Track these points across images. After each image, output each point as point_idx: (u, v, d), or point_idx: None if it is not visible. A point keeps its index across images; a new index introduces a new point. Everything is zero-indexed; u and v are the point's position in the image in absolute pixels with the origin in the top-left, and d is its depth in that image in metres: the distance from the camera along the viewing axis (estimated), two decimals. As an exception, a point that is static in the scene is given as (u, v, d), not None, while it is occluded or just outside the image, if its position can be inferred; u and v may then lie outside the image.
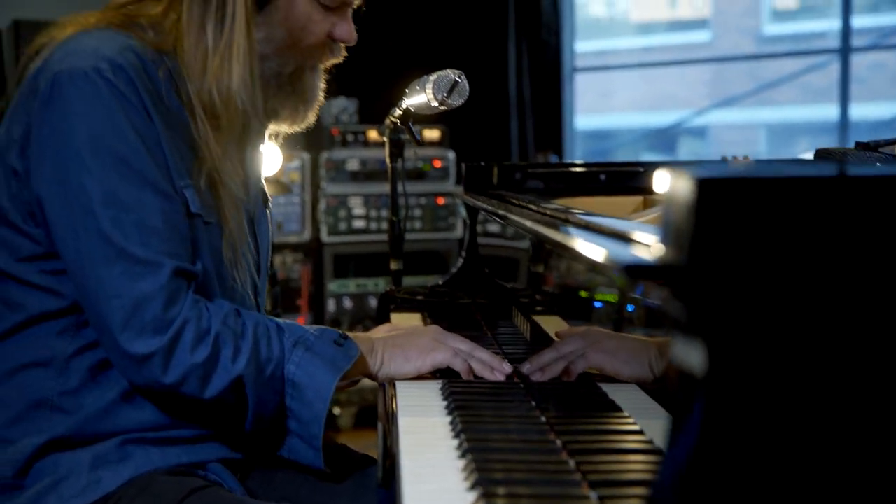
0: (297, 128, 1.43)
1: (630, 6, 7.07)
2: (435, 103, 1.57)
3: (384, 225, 3.35)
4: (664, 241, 0.62)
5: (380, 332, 1.46)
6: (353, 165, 3.70)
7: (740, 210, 0.56)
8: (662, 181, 0.61)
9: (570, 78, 4.59)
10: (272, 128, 1.41)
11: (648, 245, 0.71)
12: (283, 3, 1.28)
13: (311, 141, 4.13)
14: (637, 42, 7.76)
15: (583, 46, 5.17)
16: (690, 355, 0.57)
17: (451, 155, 3.85)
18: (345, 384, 1.30)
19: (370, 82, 4.21)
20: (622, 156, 7.03)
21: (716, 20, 8.33)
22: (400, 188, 1.88)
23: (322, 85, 1.40)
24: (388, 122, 1.85)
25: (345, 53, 1.40)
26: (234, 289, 1.30)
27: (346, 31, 1.35)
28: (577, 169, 2.09)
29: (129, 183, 1.16)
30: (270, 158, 2.40)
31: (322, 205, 3.69)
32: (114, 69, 1.16)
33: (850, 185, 0.55)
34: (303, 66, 1.34)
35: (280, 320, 1.27)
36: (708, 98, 7.70)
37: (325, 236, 3.70)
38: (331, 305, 3.57)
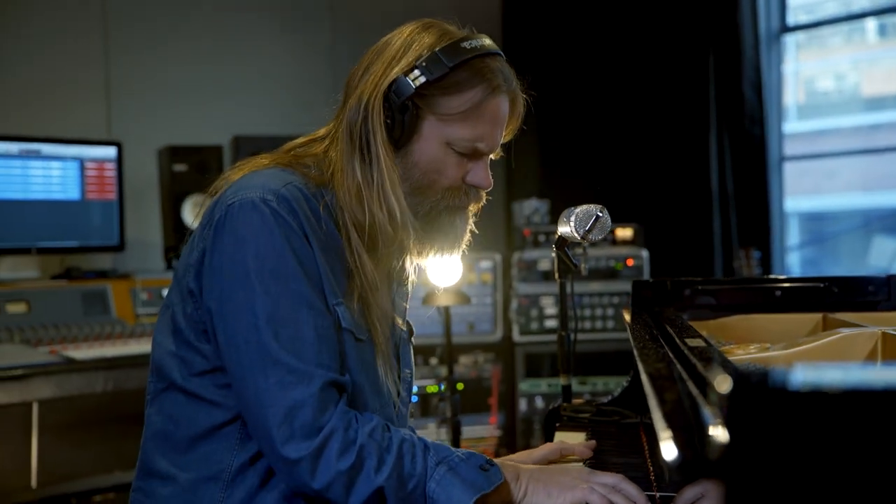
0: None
1: (862, 79, 6.67)
2: (577, 236, 1.59)
3: (576, 324, 3.31)
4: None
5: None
6: (544, 265, 3.73)
7: (768, 417, 0.55)
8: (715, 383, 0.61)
9: (778, 168, 4.41)
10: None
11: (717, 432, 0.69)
12: (417, 146, 1.37)
13: (504, 242, 4.23)
14: (865, 119, 7.31)
15: (804, 126, 4.94)
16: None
17: (645, 253, 3.79)
18: None
19: (562, 182, 4.26)
20: (847, 241, 6.58)
21: (954, 93, 7.68)
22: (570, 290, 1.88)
23: (467, 227, 1.46)
24: (555, 238, 1.88)
25: (484, 199, 1.45)
26: (385, 399, 1.40)
27: (481, 177, 1.42)
28: (752, 285, 2.00)
29: (288, 300, 1.28)
30: (451, 270, 2.49)
31: (514, 304, 3.74)
32: (278, 199, 1.31)
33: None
34: (438, 206, 1.41)
35: (429, 440, 1.34)
36: (946, 176, 7.06)
37: (516, 336, 3.74)
38: (522, 405, 3.58)
